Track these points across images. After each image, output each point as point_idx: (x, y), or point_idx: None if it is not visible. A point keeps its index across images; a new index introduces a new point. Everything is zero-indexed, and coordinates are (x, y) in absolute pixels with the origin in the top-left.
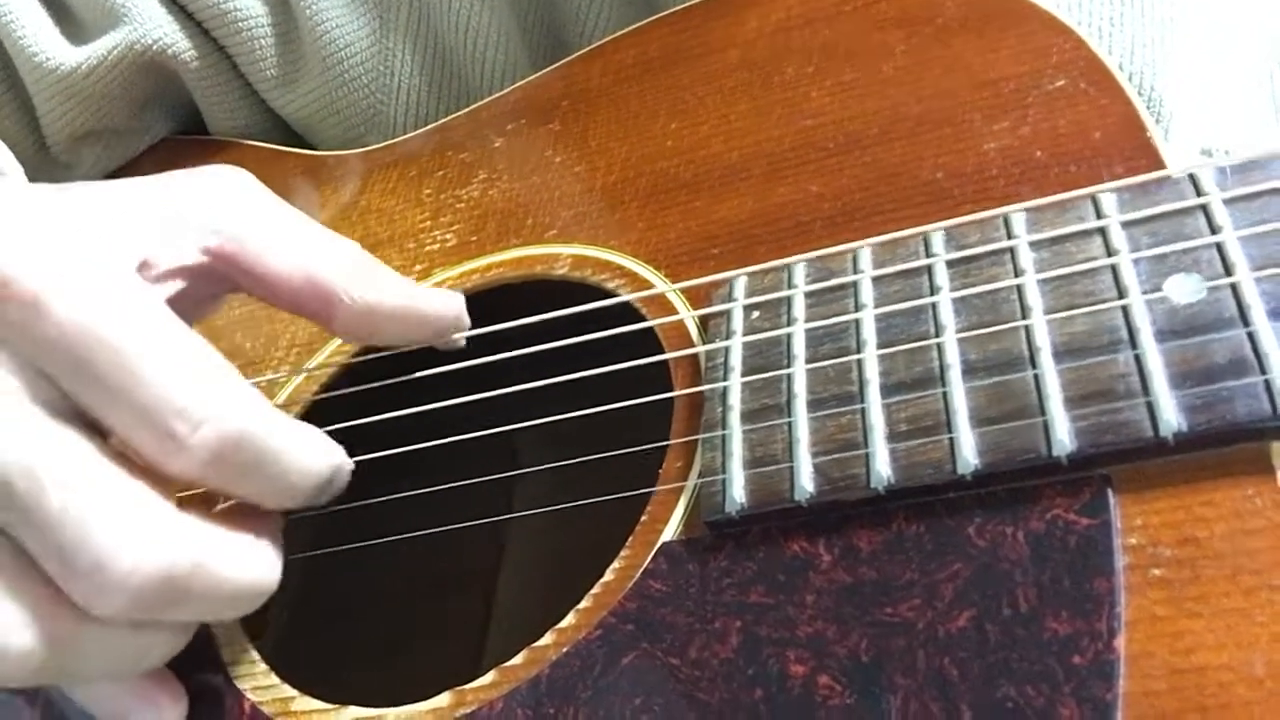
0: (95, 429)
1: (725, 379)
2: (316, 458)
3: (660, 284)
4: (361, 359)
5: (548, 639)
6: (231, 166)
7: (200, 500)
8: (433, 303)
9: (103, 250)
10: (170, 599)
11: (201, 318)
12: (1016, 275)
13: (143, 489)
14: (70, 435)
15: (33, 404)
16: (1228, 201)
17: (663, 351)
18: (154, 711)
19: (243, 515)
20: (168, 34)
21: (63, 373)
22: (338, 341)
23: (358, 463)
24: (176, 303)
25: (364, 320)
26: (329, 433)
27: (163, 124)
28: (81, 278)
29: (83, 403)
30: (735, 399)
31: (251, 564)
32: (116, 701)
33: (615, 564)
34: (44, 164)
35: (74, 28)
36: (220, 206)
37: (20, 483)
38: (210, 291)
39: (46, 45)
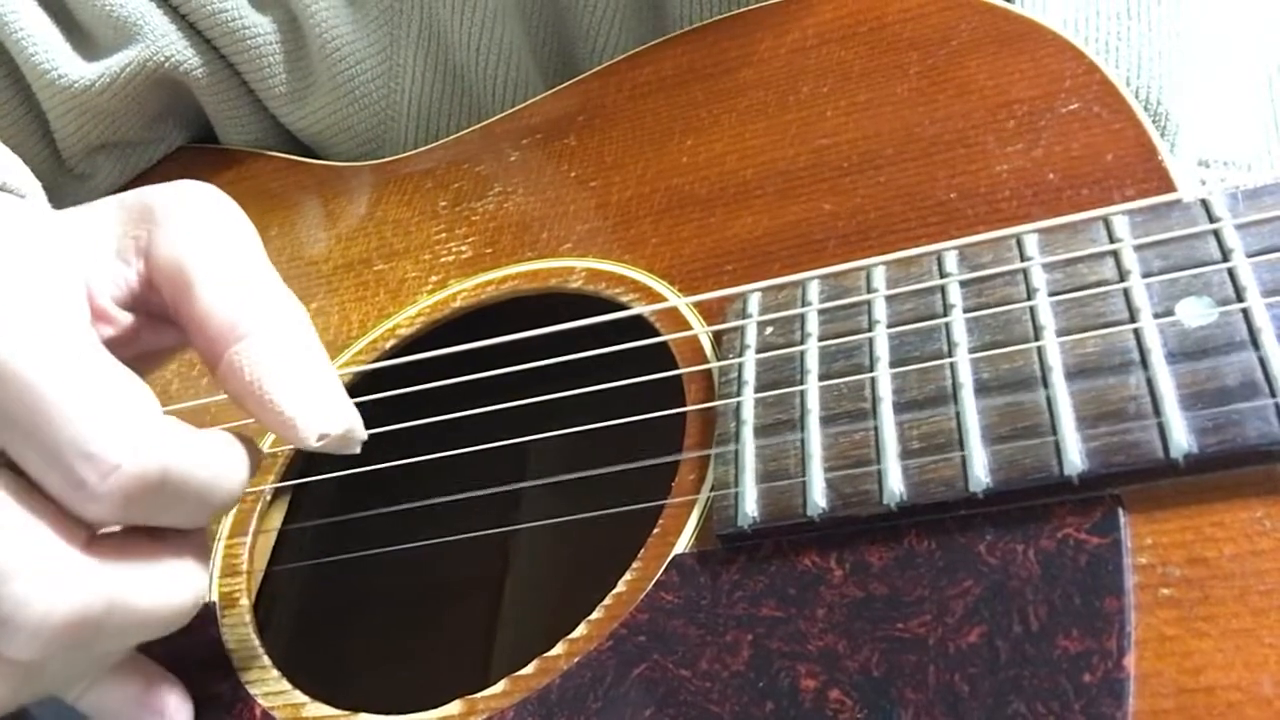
0: (15, 469)
1: (739, 394)
2: (236, 472)
3: (674, 298)
4: (375, 366)
5: (559, 649)
6: (206, 186)
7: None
8: (314, 418)
9: (38, 283)
10: (87, 637)
11: (158, 347)
12: (1029, 296)
13: (52, 532)
14: None
15: None
16: (1239, 226)
17: (676, 366)
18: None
19: (162, 540)
20: (179, 51)
21: None
22: (351, 351)
23: (371, 472)
24: (124, 336)
25: (240, 391)
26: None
27: (177, 134)
28: (3, 315)
29: (6, 448)
30: (748, 414)
31: (170, 589)
32: (123, 711)
33: (627, 576)
34: (60, 176)
35: (86, 44)
36: (180, 229)
37: None
38: (156, 318)
39: (60, 62)
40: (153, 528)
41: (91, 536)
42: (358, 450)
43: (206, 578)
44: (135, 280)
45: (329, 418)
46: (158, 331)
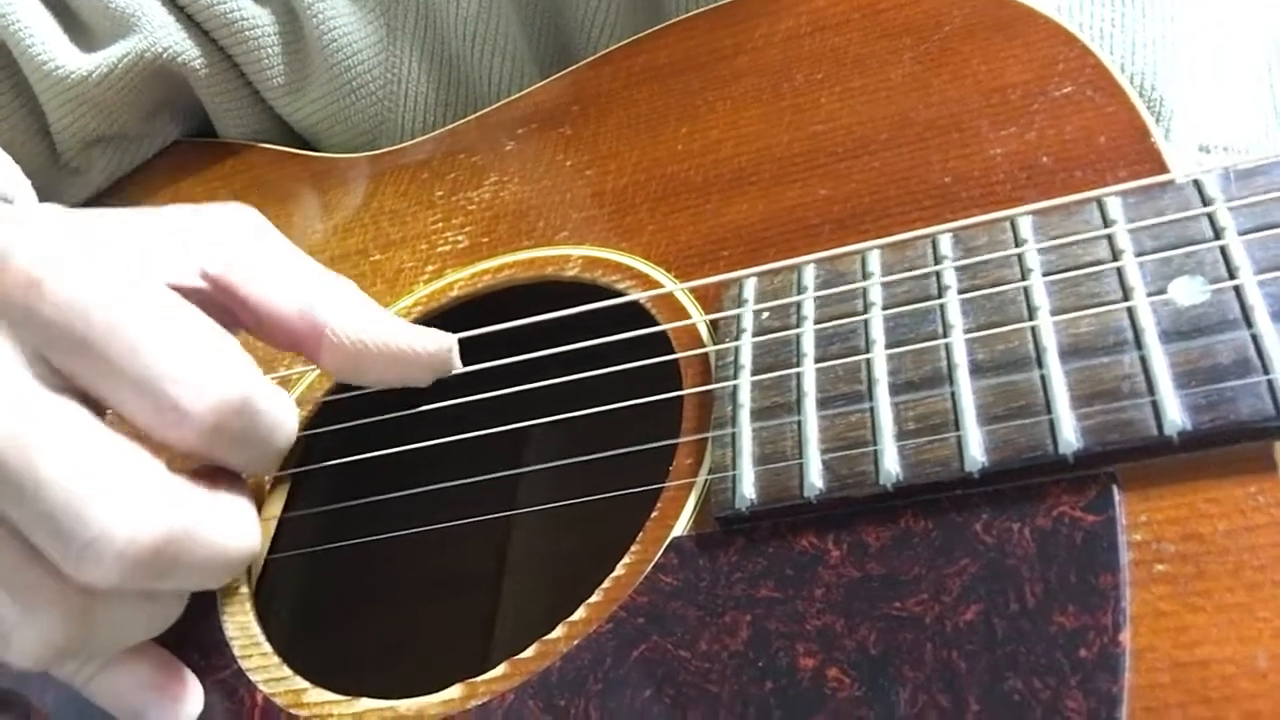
0: (90, 404)
1: (735, 377)
2: (294, 423)
3: (670, 284)
4: None
5: (559, 632)
6: (243, 205)
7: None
8: (423, 343)
9: (103, 249)
10: (166, 565)
11: None
12: (1023, 277)
13: (137, 458)
14: (63, 408)
15: (27, 379)
16: (1231, 205)
17: (672, 352)
18: (172, 705)
19: (224, 481)
20: (177, 42)
21: (62, 351)
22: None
23: (370, 460)
24: None
25: (351, 357)
26: (344, 430)
27: (173, 128)
28: (82, 261)
29: (82, 382)
30: (745, 397)
31: (238, 527)
32: (134, 697)
33: (626, 559)
34: (55, 170)
35: (83, 36)
36: (225, 238)
37: (12, 456)
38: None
39: (56, 53)
40: (212, 476)
41: (171, 467)
42: (460, 367)
43: (259, 529)
44: (186, 279)
45: (434, 337)
46: None
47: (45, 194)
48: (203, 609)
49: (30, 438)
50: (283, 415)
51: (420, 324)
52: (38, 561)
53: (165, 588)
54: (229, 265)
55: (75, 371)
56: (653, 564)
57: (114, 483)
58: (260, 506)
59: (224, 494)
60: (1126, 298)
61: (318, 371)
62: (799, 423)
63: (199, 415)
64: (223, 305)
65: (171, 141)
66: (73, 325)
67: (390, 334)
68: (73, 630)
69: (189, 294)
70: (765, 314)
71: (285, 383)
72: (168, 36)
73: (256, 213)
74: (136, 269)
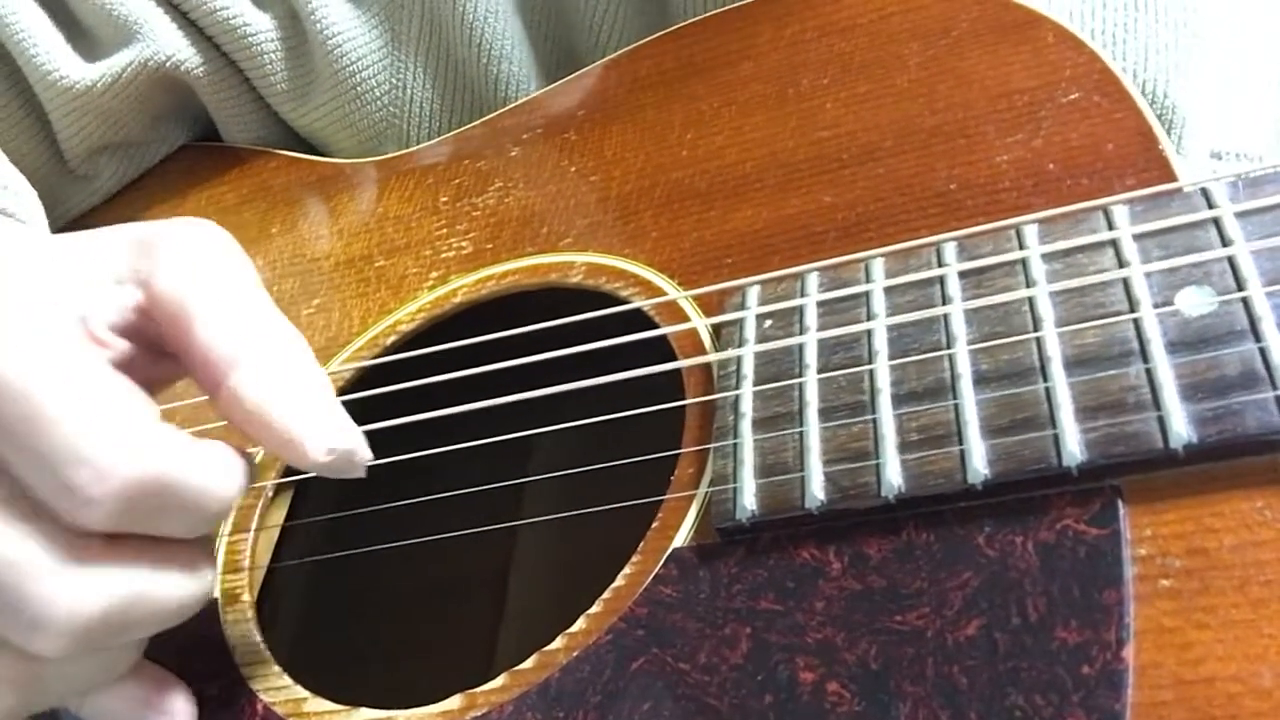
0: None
1: (737, 387)
2: (232, 479)
3: (673, 292)
4: (375, 363)
5: (558, 643)
6: (207, 224)
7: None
8: (324, 441)
9: (34, 301)
10: (114, 631)
11: (154, 378)
12: (1028, 286)
13: (74, 531)
14: None
15: None
16: (1239, 215)
17: (675, 360)
18: None
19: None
20: (180, 50)
21: None
22: (351, 348)
23: (372, 468)
24: (119, 362)
25: (244, 421)
26: None
27: (180, 133)
28: (5, 326)
29: (3, 459)
30: (747, 407)
31: (182, 583)
32: (128, 714)
33: (626, 570)
34: (62, 176)
35: (87, 44)
36: (175, 264)
37: None
38: (152, 351)
39: (60, 63)
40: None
41: (107, 537)
42: (362, 474)
43: (216, 564)
44: (133, 310)
45: (334, 435)
46: (154, 362)
47: (53, 200)
48: (204, 618)
49: None
50: (215, 478)
51: (425, 331)
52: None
53: (118, 645)
54: (166, 296)
55: None
56: (653, 575)
57: (50, 556)
58: (259, 516)
59: (171, 553)
60: (1133, 308)
61: None
62: (801, 433)
63: (102, 498)
64: (157, 336)
65: (179, 147)
66: None
67: (296, 416)
68: (26, 695)
69: (130, 329)
70: (768, 323)
71: None
72: (170, 44)
73: (220, 232)
74: (66, 323)
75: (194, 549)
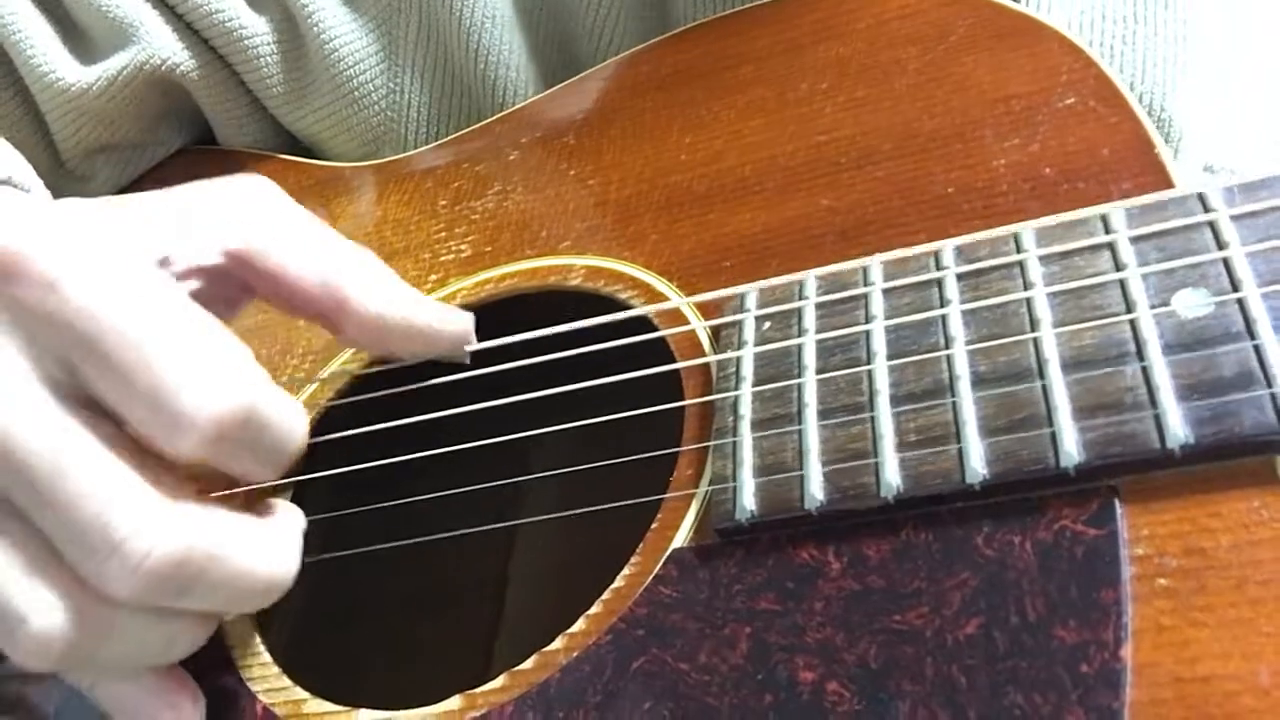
0: (106, 413)
1: (736, 388)
2: (302, 432)
3: (673, 296)
4: (376, 369)
5: (558, 643)
6: (256, 175)
7: (225, 492)
8: (442, 318)
9: (120, 242)
10: (186, 584)
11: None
12: (1026, 289)
13: (158, 473)
14: (82, 418)
15: (43, 386)
16: (1235, 218)
17: (674, 362)
18: (174, 713)
19: (264, 508)
20: (176, 53)
21: (73, 355)
22: (350, 350)
23: (371, 469)
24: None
25: (373, 329)
26: (346, 438)
27: (177, 136)
28: (96, 263)
29: (92, 387)
30: (746, 408)
31: (268, 556)
32: (137, 703)
33: (626, 570)
34: (59, 178)
35: (83, 46)
36: (241, 211)
37: (37, 466)
38: (226, 294)
39: (57, 64)
40: (255, 500)
41: (201, 488)
42: (468, 359)
43: (299, 558)
44: (197, 262)
45: (452, 320)
46: (216, 308)
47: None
48: None
49: (51, 450)
50: (291, 424)
51: None
52: (57, 563)
53: (186, 607)
54: (247, 239)
55: (87, 376)
56: (652, 576)
57: (133, 497)
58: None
59: (255, 517)
60: (1129, 310)
61: (321, 379)
62: (800, 434)
63: (202, 425)
64: (241, 280)
65: (176, 150)
66: (86, 330)
67: (411, 308)
68: (84, 635)
69: (207, 274)
70: (767, 324)
71: (288, 389)
72: (166, 47)
73: (270, 183)
74: (152, 265)
75: (280, 530)
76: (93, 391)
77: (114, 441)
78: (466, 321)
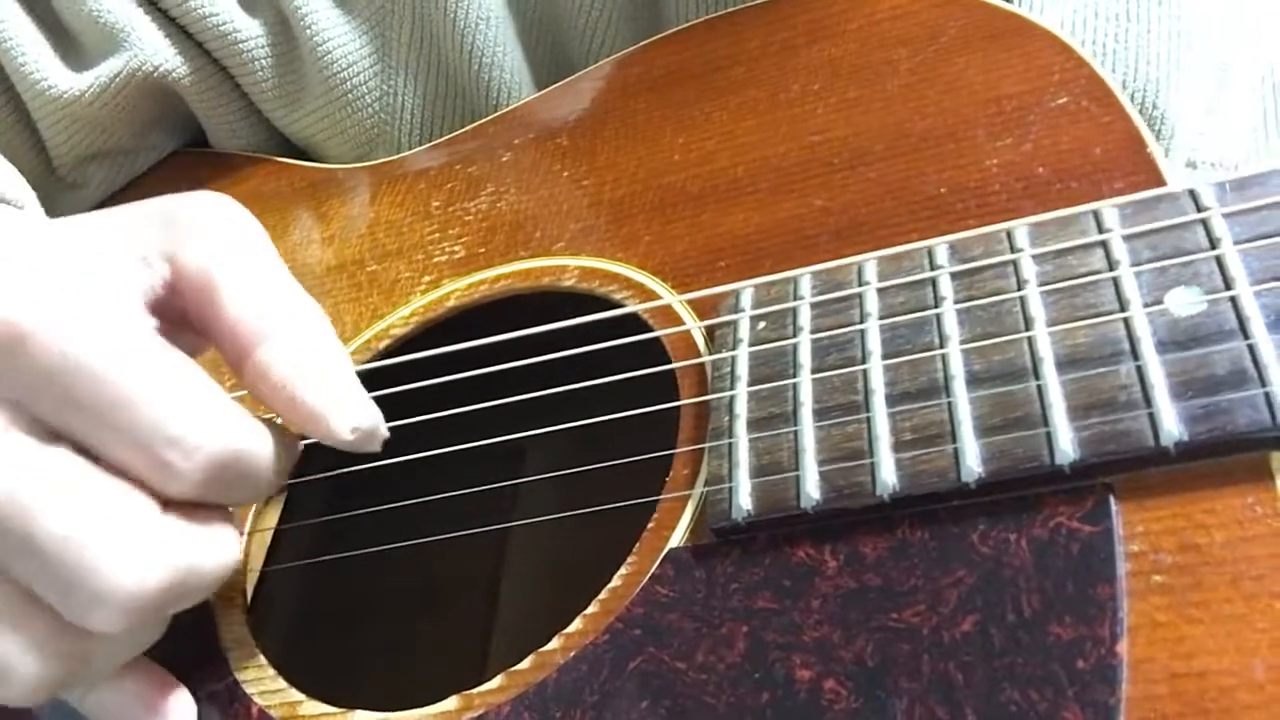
0: (80, 449)
1: (732, 388)
2: (291, 452)
3: (667, 296)
4: (369, 366)
5: (555, 644)
6: (223, 197)
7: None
8: (348, 418)
9: (91, 282)
10: (169, 604)
11: (187, 349)
12: (1019, 287)
13: (134, 503)
14: (55, 459)
15: (14, 431)
16: (1227, 216)
17: (669, 362)
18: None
19: (210, 508)
20: (168, 58)
21: (52, 408)
22: (350, 348)
23: (366, 471)
24: (165, 331)
25: (271, 391)
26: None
27: (169, 141)
28: (66, 313)
29: (73, 434)
30: (742, 408)
31: (225, 552)
32: (126, 711)
33: (622, 570)
34: (51, 185)
35: (75, 53)
36: (202, 240)
37: (12, 515)
38: (179, 326)
39: (48, 72)
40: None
41: (161, 512)
42: (379, 448)
43: (240, 532)
44: (160, 285)
45: (358, 412)
46: (176, 337)
47: (42, 206)
48: (198, 621)
49: (26, 494)
50: (277, 453)
51: (417, 335)
52: (37, 606)
53: (167, 614)
54: (203, 277)
55: (63, 424)
56: (649, 575)
57: (115, 533)
58: (253, 519)
59: (213, 523)
60: (1123, 308)
61: None
62: (796, 433)
63: (192, 471)
64: (180, 310)
65: (168, 153)
66: (60, 382)
67: (322, 391)
68: (72, 668)
69: (152, 306)
70: (762, 324)
71: None
72: (159, 52)
73: (236, 205)
74: (122, 305)
75: (225, 517)
76: (71, 435)
77: (91, 479)
78: (371, 424)
